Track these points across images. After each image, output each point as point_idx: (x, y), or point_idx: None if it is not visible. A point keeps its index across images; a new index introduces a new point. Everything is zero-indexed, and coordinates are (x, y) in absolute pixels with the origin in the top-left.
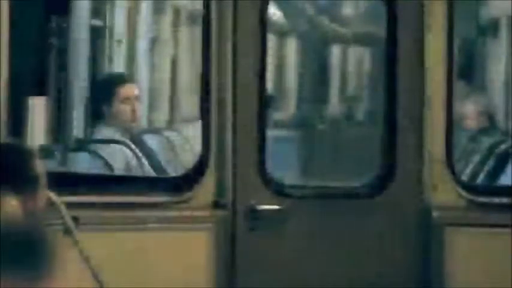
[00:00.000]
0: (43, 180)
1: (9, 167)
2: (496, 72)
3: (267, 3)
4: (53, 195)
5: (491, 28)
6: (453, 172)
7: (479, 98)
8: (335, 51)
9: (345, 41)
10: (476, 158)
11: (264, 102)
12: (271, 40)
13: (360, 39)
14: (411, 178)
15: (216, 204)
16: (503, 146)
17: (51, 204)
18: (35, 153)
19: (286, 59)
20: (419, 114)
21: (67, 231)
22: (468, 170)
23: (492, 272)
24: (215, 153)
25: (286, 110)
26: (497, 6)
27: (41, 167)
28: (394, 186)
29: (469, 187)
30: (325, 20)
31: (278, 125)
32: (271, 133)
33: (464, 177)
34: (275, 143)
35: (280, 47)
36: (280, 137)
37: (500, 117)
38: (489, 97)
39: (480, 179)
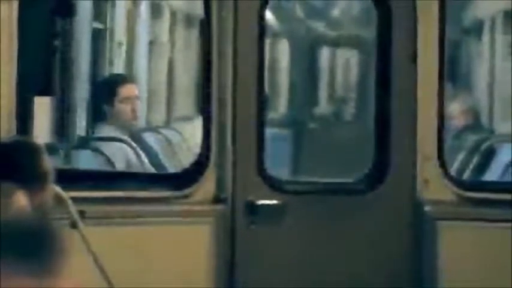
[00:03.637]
0: (51, 176)
1: (18, 163)
2: (479, 72)
3: (265, 7)
4: (60, 191)
5: (475, 29)
6: (444, 168)
7: (464, 97)
8: (327, 52)
9: (336, 43)
10: (462, 155)
11: (263, 102)
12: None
13: (352, 41)
14: (404, 174)
15: (216, 199)
16: (488, 143)
17: (58, 199)
18: (43, 149)
19: (278, 60)
20: (412, 113)
21: (73, 225)
22: (455, 166)
23: (483, 264)
24: (215, 150)
25: (280, 109)
26: (481, 8)
27: (48, 163)
28: (387, 182)
29: (460, 183)
30: (316, 23)
31: (271, 123)
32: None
33: (452, 174)
34: (270, 141)
35: (272, 49)
36: (274, 135)
37: (484, 115)
38: (473, 96)
39: (467, 175)
